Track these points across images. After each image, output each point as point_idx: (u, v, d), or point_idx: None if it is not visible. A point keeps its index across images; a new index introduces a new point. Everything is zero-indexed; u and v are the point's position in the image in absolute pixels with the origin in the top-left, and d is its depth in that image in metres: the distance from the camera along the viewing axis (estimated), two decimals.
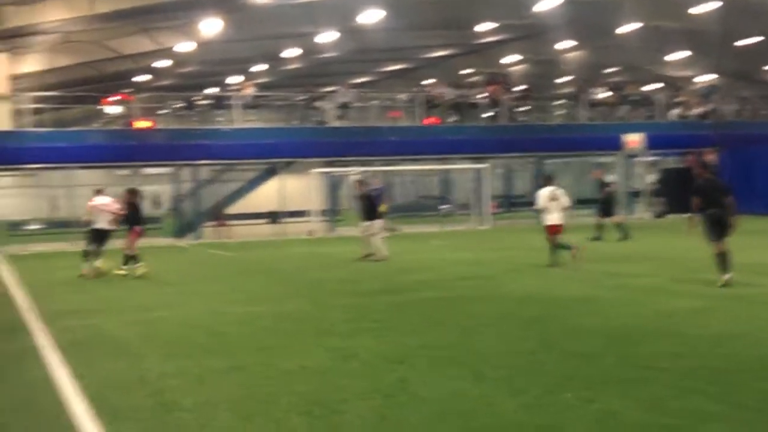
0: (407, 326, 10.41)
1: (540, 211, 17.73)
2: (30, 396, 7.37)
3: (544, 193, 17.52)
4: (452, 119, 36.54)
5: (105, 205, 18.47)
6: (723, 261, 13.24)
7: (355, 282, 15.60)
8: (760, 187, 35.33)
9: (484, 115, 37.36)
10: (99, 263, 18.35)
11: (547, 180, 18.12)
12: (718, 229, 13.28)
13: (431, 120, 35.99)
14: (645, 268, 16.52)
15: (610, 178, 27.22)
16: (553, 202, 17.51)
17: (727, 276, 13.19)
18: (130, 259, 18.37)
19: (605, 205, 25.31)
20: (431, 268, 17.95)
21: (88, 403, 6.97)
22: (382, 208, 22.84)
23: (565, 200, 17.60)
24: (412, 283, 15.08)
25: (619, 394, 6.69)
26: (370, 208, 20.57)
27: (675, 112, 39.64)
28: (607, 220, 24.95)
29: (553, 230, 17.54)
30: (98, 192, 18.94)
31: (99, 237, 18.33)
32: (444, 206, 39.83)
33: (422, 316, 11.25)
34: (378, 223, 20.57)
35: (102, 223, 18.30)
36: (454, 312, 11.50)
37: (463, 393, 6.91)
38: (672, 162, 40.58)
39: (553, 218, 17.53)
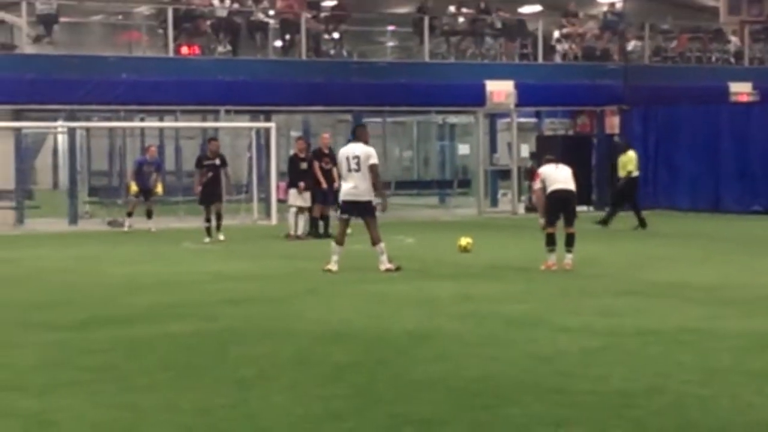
0: (141, 377, 9.72)
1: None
2: None
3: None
4: (223, 49, 33.96)
5: None
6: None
7: (57, 306, 14.47)
8: (686, 167, 33.26)
9: (274, 45, 34.87)
10: None
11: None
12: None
13: (189, 49, 33.22)
14: (512, 287, 15.97)
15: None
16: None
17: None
18: None
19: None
20: (181, 284, 16.88)
21: None
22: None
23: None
24: (149, 309, 14.09)
25: None
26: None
27: (563, 49, 37.73)
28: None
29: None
30: None
31: None
32: None
33: (165, 360, 10.50)
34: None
35: None
36: (219, 355, 10.78)
37: None
38: (557, 125, 39.35)
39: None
